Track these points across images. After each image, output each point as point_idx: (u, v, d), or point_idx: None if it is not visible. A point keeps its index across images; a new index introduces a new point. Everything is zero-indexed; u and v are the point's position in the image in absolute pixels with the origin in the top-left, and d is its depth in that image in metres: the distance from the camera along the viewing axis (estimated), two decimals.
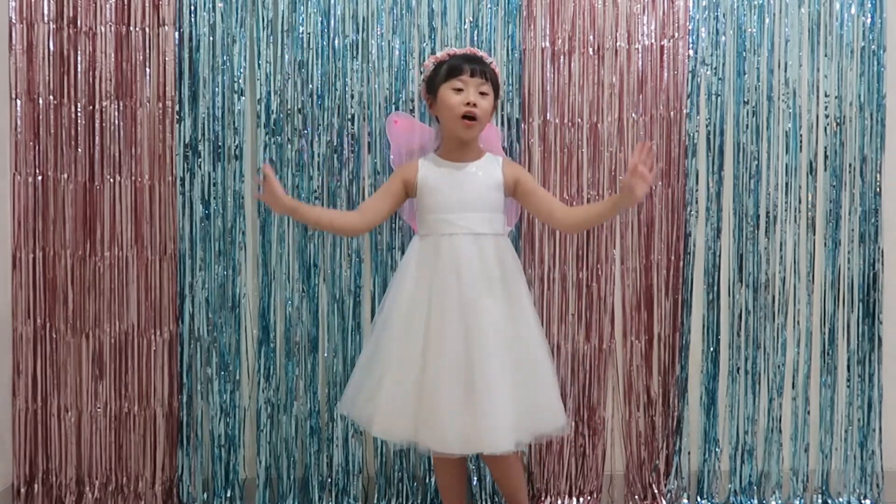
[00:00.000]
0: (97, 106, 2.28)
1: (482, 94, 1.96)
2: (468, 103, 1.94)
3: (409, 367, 1.89)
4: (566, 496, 2.34)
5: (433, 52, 2.26)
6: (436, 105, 2.01)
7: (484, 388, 1.84)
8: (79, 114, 2.29)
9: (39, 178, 2.29)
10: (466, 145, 2.01)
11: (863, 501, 2.35)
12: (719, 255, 2.33)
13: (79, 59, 2.28)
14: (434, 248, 1.95)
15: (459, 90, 1.95)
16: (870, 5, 2.30)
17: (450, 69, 1.97)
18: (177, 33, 2.26)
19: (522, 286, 1.99)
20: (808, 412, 2.35)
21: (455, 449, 1.86)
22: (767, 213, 2.32)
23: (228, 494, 2.32)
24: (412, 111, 2.27)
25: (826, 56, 2.31)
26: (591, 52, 2.30)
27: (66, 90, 2.28)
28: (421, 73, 2.27)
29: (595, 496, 2.35)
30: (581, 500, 2.34)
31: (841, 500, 2.36)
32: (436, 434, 1.86)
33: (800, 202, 2.33)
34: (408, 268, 1.98)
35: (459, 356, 1.86)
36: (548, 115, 2.30)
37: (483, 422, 1.84)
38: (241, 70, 2.27)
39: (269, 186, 1.86)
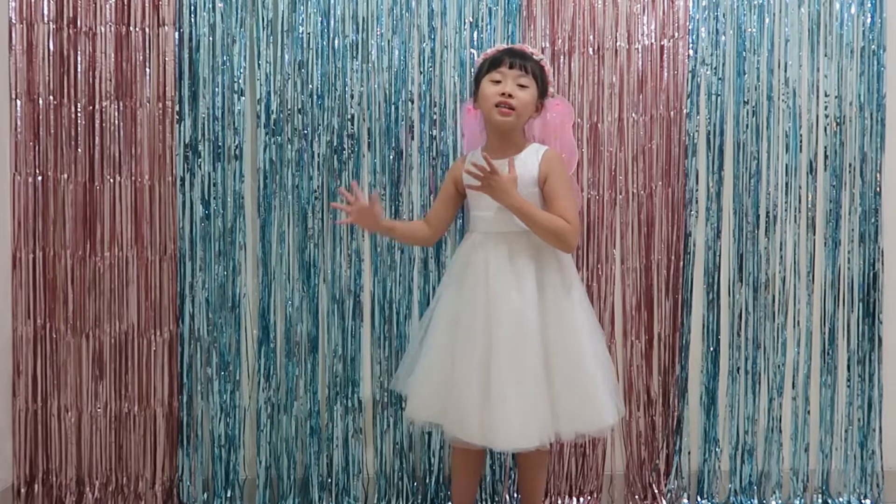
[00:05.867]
0: (97, 106, 2.28)
1: (521, 86, 1.96)
2: (503, 94, 1.94)
3: (442, 357, 1.95)
4: (566, 496, 2.34)
5: (433, 52, 2.27)
6: (478, 99, 2.01)
7: (496, 385, 1.87)
8: (79, 114, 2.28)
9: (39, 178, 2.29)
10: (507, 138, 2.00)
11: (863, 501, 2.35)
12: (719, 255, 2.33)
13: (79, 59, 2.28)
14: (471, 244, 2.00)
15: (498, 82, 1.96)
16: (870, 5, 2.29)
17: (490, 62, 1.99)
18: (177, 33, 2.26)
19: (567, 281, 1.97)
20: (808, 412, 2.35)
21: (475, 439, 1.89)
22: (767, 213, 2.32)
23: (228, 494, 2.32)
24: (411, 112, 2.28)
25: (826, 56, 2.31)
26: (591, 52, 2.30)
27: (66, 90, 2.28)
28: (421, 73, 2.28)
29: (595, 496, 2.35)
30: (581, 500, 2.34)
31: (841, 500, 2.36)
32: (458, 423, 1.91)
33: (800, 202, 2.33)
34: (454, 263, 2.05)
35: (483, 351, 1.89)
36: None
37: (495, 419, 1.86)
38: (241, 70, 2.27)
39: (374, 209, 1.94)
